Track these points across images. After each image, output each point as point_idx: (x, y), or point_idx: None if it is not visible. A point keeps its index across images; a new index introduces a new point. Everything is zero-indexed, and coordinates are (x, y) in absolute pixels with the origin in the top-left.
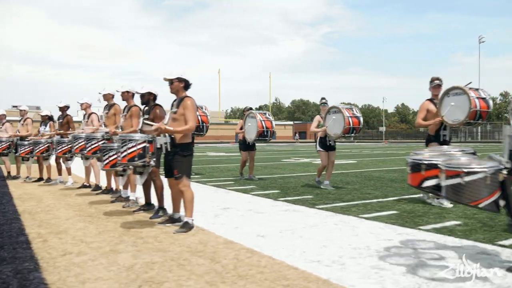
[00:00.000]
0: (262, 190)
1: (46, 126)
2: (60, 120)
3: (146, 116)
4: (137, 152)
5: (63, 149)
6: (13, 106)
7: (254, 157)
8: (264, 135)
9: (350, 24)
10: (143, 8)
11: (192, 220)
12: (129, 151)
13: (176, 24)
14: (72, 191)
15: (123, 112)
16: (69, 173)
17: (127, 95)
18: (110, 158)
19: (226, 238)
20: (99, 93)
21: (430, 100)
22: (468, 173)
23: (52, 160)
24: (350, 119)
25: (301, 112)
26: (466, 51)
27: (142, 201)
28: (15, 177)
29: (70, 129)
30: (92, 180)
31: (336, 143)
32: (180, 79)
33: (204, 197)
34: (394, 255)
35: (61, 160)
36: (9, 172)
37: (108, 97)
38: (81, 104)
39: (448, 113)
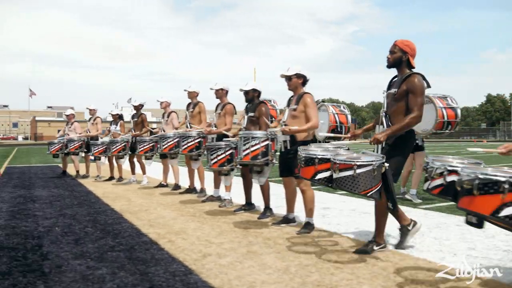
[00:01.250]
0: None
1: (116, 125)
2: (135, 119)
3: (251, 114)
4: (260, 150)
5: (144, 147)
6: (48, 107)
7: None
8: (338, 131)
9: (376, 22)
10: (170, 9)
11: (313, 220)
12: (252, 149)
13: (203, 25)
14: (153, 190)
15: (217, 110)
16: (144, 172)
17: (221, 93)
18: (219, 157)
19: (358, 240)
20: (185, 90)
21: None
22: (360, 166)
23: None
24: (443, 110)
25: None
26: (498, 48)
27: (235, 200)
28: (84, 176)
29: (144, 128)
30: (170, 180)
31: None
32: (298, 75)
33: None
34: None
35: (135, 159)
36: (77, 171)
37: (193, 95)
38: (161, 103)
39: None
